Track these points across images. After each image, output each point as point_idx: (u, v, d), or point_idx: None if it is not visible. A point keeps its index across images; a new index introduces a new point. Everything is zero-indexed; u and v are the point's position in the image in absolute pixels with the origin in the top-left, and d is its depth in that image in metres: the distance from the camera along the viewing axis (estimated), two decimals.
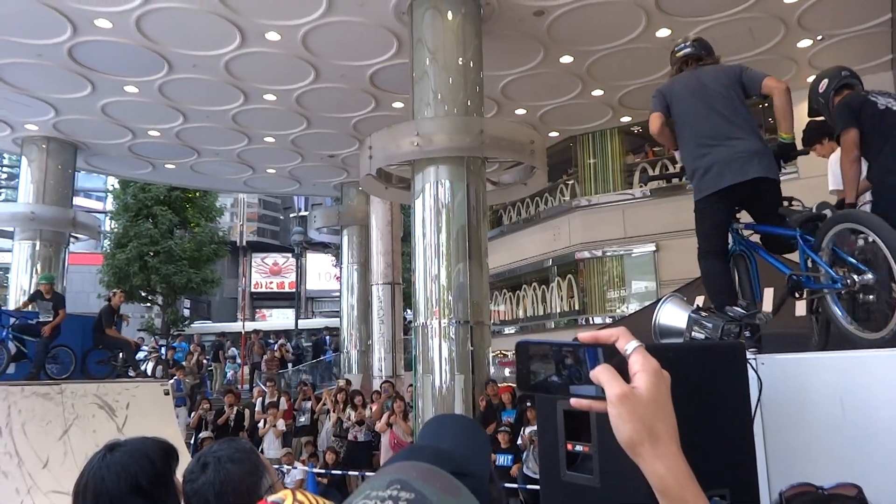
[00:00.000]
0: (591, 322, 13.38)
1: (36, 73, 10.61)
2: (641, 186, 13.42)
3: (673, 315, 2.61)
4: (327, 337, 21.99)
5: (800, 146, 3.96)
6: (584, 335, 0.84)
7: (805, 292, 3.31)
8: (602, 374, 0.80)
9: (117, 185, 23.56)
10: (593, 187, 14.04)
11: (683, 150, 3.69)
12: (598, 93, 11.93)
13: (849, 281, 3.03)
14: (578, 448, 1.99)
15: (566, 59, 10.49)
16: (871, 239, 2.92)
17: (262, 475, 1.58)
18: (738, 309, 2.43)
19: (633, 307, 12.71)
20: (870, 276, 2.93)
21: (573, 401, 0.84)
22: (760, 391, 2.16)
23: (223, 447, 1.51)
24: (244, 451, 1.50)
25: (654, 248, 12.92)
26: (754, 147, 3.47)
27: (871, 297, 2.98)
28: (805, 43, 10.04)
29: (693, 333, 2.47)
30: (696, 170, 3.56)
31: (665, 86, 3.90)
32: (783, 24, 9.50)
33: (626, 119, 13.31)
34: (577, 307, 14.12)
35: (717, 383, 1.97)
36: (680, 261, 11.78)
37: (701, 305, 2.72)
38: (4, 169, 31.61)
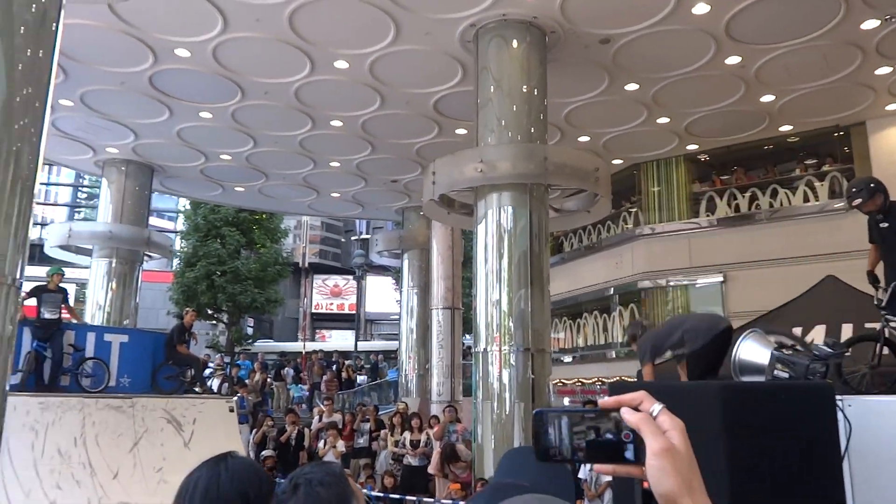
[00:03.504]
0: None
1: (118, 99, 11.16)
2: (708, 216, 13.11)
3: (754, 351, 2.52)
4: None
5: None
6: (607, 400, 0.86)
7: None
8: (644, 424, 0.82)
9: (188, 206, 24.39)
10: (657, 216, 13.78)
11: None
12: (663, 120, 11.77)
13: None
14: None
15: (631, 86, 10.40)
16: None
17: (349, 501, 1.59)
18: (825, 348, 2.33)
19: None
20: None
21: (597, 466, 0.86)
22: (850, 434, 2.07)
23: (315, 470, 1.53)
24: (334, 476, 1.51)
25: (721, 279, 12.56)
26: None
27: None
28: (884, 70, 9.69)
29: (776, 372, 2.39)
30: None
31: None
32: (860, 51, 9.20)
33: (692, 147, 13.06)
34: None
35: (804, 425, 1.89)
36: (750, 292, 11.41)
37: (784, 342, 2.63)
38: (85, 189, 33.22)
